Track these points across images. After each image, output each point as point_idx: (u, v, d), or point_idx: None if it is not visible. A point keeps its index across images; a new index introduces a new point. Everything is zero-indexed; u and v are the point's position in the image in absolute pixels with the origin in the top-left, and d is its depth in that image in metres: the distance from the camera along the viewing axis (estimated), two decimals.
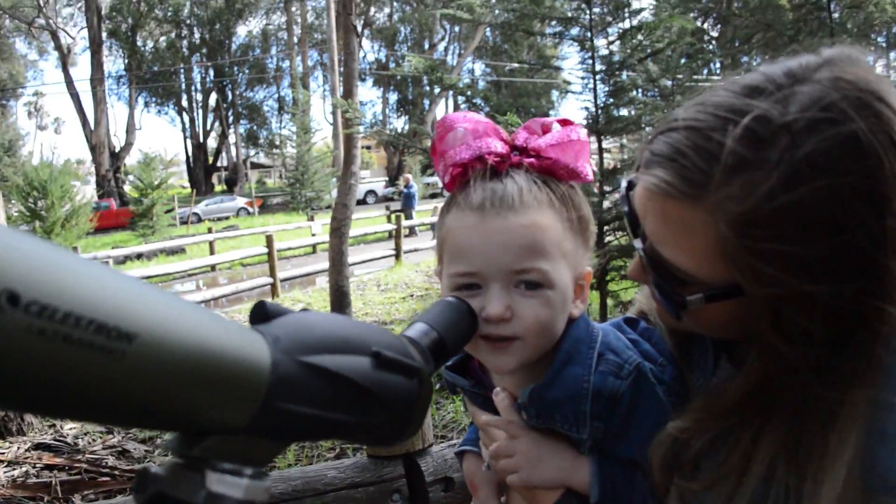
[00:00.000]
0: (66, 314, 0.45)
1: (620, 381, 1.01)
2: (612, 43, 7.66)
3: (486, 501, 1.19)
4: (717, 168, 0.80)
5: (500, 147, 1.01)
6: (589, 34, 6.95)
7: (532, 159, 1.01)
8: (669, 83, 9.13)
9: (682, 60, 8.83)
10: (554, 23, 7.63)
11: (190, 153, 59.25)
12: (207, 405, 0.55)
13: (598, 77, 7.37)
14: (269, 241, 13.71)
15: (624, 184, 0.99)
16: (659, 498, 1.00)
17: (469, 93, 7.06)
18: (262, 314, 0.66)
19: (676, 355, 1.10)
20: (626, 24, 7.54)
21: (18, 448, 5.42)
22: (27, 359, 0.44)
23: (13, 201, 21.47)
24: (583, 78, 7.99)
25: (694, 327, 0.98)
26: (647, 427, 1.00)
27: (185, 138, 60.17)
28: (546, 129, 1.05)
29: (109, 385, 0.48)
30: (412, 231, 21.70)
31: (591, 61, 7.32)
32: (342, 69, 9.02)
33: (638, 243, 0.96)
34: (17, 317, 0.43)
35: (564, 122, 1.05)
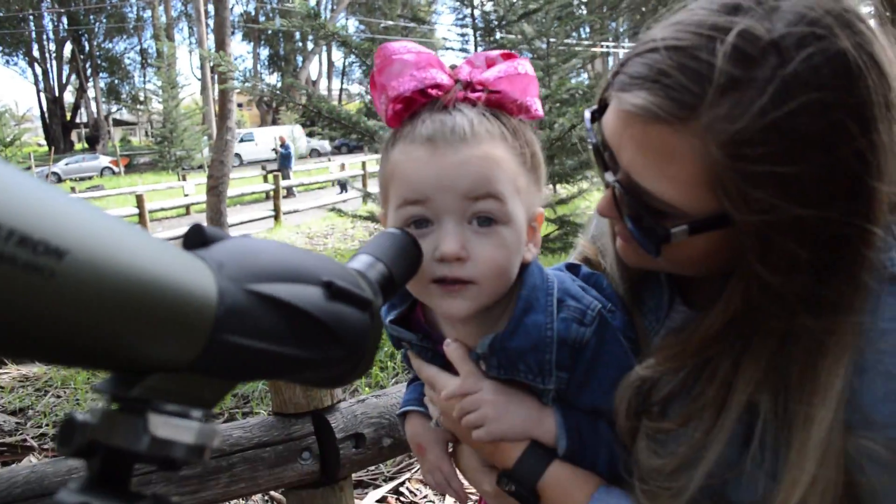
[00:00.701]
0: None
1: (585, 328, 0.98)
2: (489, 1, 7.72)
3: (438, 462, 1.14)
4: (708, 88, 0.77)
5: (445, 79, 0.95)
6: None
7: (479, 93, 0.95)
8: (544, 45, 9.34)
9: (555, 23, 9.02)
10: None
11: (45, 108, 55.27)
12: (148, 338, 0.49)
13: (478, 34, 7.43)
14: (140, 201, 13.07)
15: (588, 114, 0.94)
16: (625, 444, 0.98)
17: (351, 45, 6.91)
18: (199, 238, 0.59)
19: (627, 300, 1.07)
20: None
21: None
22: None
23: None
24: (462, 35, 8.01)
25: (668, 265, 0.94)
26: (612, 373, 0.99)
27: (38, 92, 56.00)
28: (490, 63, 0.99)
29: (35, 309, 0.42)
30: (290, 192, 21.24)
31: (471, 18, 7.36)
32: (211, 19, 8.63)
33: (610, 176, 0.91)
34: None
35: (507, 56, 1.00)
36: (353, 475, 3.81)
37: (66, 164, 36.93)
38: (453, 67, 0.99)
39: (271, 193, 17.07)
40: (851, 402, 0.80)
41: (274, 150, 27.75)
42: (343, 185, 20.16)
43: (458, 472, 1.15)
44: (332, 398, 1.99)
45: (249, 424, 1.94)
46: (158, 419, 0.50)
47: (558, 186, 8.38)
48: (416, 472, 3.84)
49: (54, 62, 56.66)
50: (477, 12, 7.36)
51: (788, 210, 0.77)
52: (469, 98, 0.95)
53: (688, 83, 0.78)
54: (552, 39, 9.32)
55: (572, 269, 1.11)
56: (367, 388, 5.19)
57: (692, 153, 0.79)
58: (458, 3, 7.72)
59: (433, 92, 0.94)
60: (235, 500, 3.75)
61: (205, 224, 0.62)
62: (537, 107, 0.99)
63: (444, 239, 0.92)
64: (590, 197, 7.30)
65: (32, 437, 4.77)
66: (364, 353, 0.65)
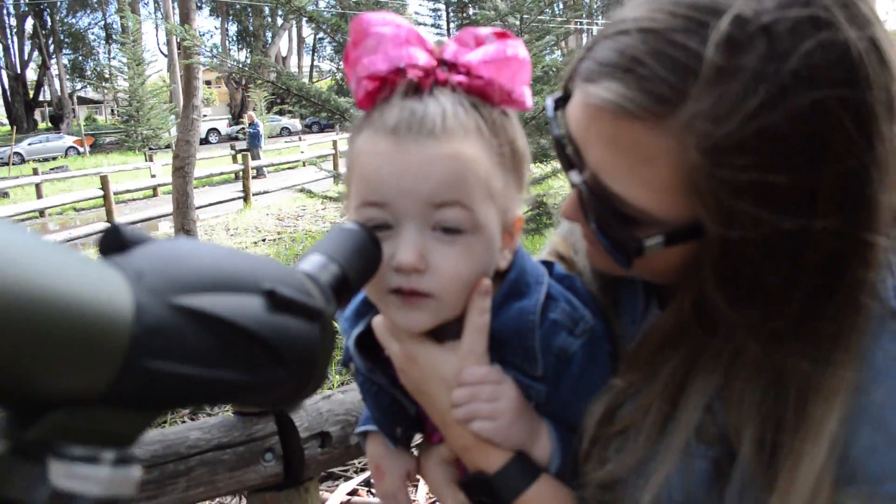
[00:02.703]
0: None
1: (573, 340, 0.89)
2: None
3: (395, 490, 1.05)
4: (689, 81, 0.66)
5: (424, 59, 0.84)
6: None
7: (461, 77, 0.84)
8: (517, 21, 9.23)
9: None
10: None
11: (6, 86, 54.33)
12: (48, 365, 0.41)
13: (450, 10, 7.31)
14: (105, 182, 12.86)
15: (549, 103, 0.84)
16: (579, 465, 0.89)
17: (319, 20, 6.75)
18: (116, 242, 0.51)
19: (602, 301, 0.97)
20: None
21: None
22: None
23: None
24: (434, 10, 7.90)
25: (640, 273, 0.86)
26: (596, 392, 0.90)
27: None
28: (480, 42, 0.87)
29: None
30: (260, 172, 20.90)
31: None
32: None
33: (575, 176, 0.81)
34: None
35: (501, 35, 0.87)
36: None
37: (30, 144, 36.27)
38: (440, 45, 0.88)
39: (240, 174, 16.84)
40: (840, 453, 0.71)
41: (243, 129, 27.33)
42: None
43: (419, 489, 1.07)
44: None
45: (208, 425, 1.84)
46: (60, 466, 0.43)
47: (532, 166, 8.32)
48: None
49: (15, 38, 55.58)
50: None
51: (775, 223, 0.67)
52: (450, 82, 0.85)
53: (663, 73, 0.68)
54: (526, 16, 9.22)
55: (545, 266, 1.01)
56: (336, 387, 5.10)
57: (668, 155, 0.70)
58: None
59: (411, 73, 0.83)
60: None
61: (122, 225, 0.53)
62: (526, 97, 0.88)
63: (400, 247, 0.83)
64: (563, 176, 7.27)
65: None
66: (313, 372, 0.57)
